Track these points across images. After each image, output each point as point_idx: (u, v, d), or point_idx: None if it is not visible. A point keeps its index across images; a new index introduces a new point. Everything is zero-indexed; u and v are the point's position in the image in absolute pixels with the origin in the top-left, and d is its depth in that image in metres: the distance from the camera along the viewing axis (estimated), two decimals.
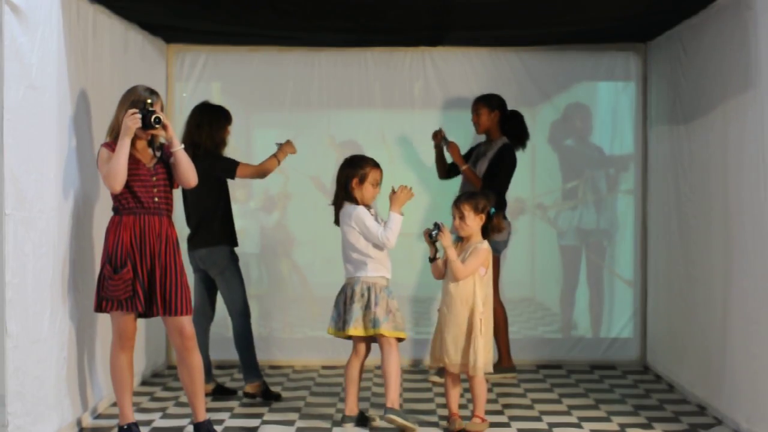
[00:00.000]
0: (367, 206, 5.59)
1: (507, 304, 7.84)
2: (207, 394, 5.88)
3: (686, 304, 6.44)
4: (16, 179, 4.67)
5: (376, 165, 5.60)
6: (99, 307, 5.13)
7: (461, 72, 7.62)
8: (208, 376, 6.16)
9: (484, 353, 5.41)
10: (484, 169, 6.88)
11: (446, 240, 5.46)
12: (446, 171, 7.19)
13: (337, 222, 5.67)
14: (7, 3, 4.58)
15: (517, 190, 7.63)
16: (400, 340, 5.53)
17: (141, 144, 5.16)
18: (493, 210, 5.52)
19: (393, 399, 5.46)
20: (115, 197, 5.13)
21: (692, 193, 6.35)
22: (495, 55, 7.60)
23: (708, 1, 5.87)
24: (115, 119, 5.14)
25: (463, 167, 6.89)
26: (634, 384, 6.88)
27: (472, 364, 5.39)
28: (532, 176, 7.81)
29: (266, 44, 7.48)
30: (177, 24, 6.81)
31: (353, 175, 5.56)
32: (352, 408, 5.60)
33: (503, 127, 6.99)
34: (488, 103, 6.98)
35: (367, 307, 5.47)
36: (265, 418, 5.80)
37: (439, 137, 7.03)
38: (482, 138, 7.12)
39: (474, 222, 5.50)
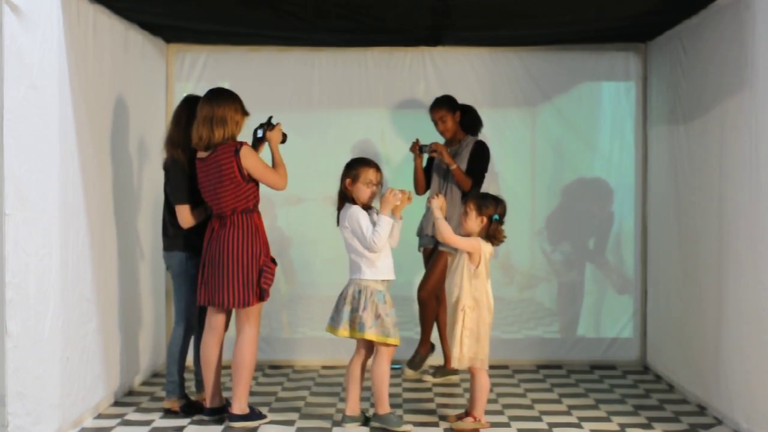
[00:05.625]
0: (368, 207, 5.58)
1: (507, 304, 7.86)
2: (173, 411, 5.83)
3: (686, 304, 6.44)
4: (17, 179, 4.67)
5: (369, 164, 5.57)
6: (261, 299, 5.50)
7: (461, 72, 7.61)
8: (181, 390, 5.88)
9: (466, 347, 5.40)
10: (463, 169, 6.80)
11: (435, 202, 5.51)
12: (426, 183, 6.97)
13: (338, 223, 5.66)
14: (7, 3, 4.58)
15: (517, 189, 7.64)
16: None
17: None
18: (496, 217, 5.47)
19: (378, 405, 5.50)
20: (258, 195, 5.54)
21: (691, 193, 6.36)
22: (495, 55, 7.60)
23: (708, 1, 5.88)
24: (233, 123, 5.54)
25: (453, 167, 6.69)
26: (634, 384, 6.88)
27: (453, 356, 5.45)
28: (533, 176, 7.81)
29: (266, 44, 7.48)
30: (177, 24, 6.81)
31: (347, 175, 5.57)
32: (353, 408, 5.59)
33: (462, 123, 6.93)
34: (450, 107, 6.85)
35: (355, 310, 5.45)
36: (267, 419, 5.78)
37: (416, 147, 6.81)
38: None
39: (473, 222, 5.48)
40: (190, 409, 5.81)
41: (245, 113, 5.61)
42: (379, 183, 5.57)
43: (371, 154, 7.38)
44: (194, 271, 5.72)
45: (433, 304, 6.90)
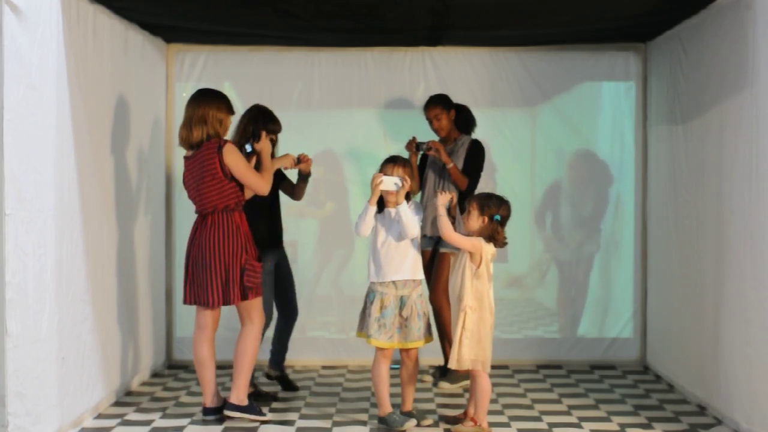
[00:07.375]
0: (408, 200, 5.50)
1: (508, 304, 7.85)
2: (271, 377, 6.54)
3: (685, 304, 6.44)
4: (16, 179, 4.67)
5: (388, 161, 5.54)
6: (245, 297, 5.51)
7: (461, 72, 7.61)
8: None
9: (466, 348, 5.33)
10: (459, 168, 6.76)
11: (441, 199, 5.45)
12: (421, 181, 6.87)
13: None
14: (7, 3, 4.58)
15: (517, 189, 7.64)
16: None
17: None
18: (497, 217, 5.41)
19: (378, 407, 5.53)
20: (241, 195, 5.57)
21: (689, 194, 6.36)
22: (495, 55, 7.60)
23: (708, 1, 5.88)
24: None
25: (450, 165, 6.62)
26: (634, 384, 6.88)
27: (453, 357, 5.39)
28: (532, 176, 7.81)
29: (266, 44, 7.48)
30: (177, 24, 6.81)
31: None
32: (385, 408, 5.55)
33: (456, 122, 6.88)
34: (445, 105, 6.80)
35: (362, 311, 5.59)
36: (265, 417, 5.79)
37: (413, 145, 6.72)
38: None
39: (475, 222, 5.41)
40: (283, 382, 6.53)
41: (230, 112, 5.68)
42: (399, 177, 5.43)
43: (370, 154, 7.38)
44: (270, 268, 6.17)
45: (447, 309, 6.65)
